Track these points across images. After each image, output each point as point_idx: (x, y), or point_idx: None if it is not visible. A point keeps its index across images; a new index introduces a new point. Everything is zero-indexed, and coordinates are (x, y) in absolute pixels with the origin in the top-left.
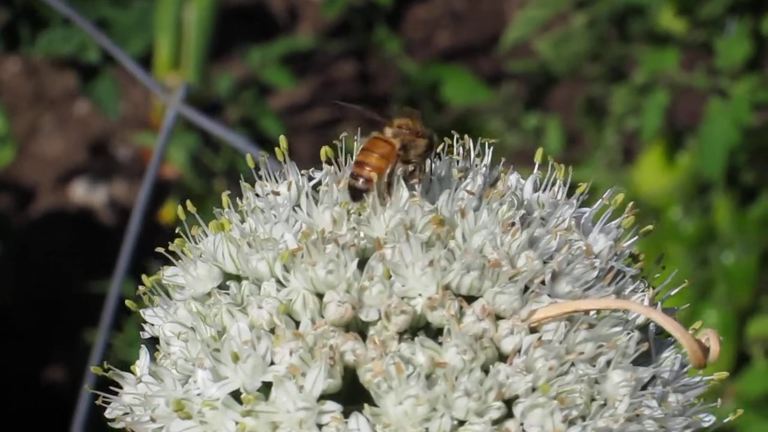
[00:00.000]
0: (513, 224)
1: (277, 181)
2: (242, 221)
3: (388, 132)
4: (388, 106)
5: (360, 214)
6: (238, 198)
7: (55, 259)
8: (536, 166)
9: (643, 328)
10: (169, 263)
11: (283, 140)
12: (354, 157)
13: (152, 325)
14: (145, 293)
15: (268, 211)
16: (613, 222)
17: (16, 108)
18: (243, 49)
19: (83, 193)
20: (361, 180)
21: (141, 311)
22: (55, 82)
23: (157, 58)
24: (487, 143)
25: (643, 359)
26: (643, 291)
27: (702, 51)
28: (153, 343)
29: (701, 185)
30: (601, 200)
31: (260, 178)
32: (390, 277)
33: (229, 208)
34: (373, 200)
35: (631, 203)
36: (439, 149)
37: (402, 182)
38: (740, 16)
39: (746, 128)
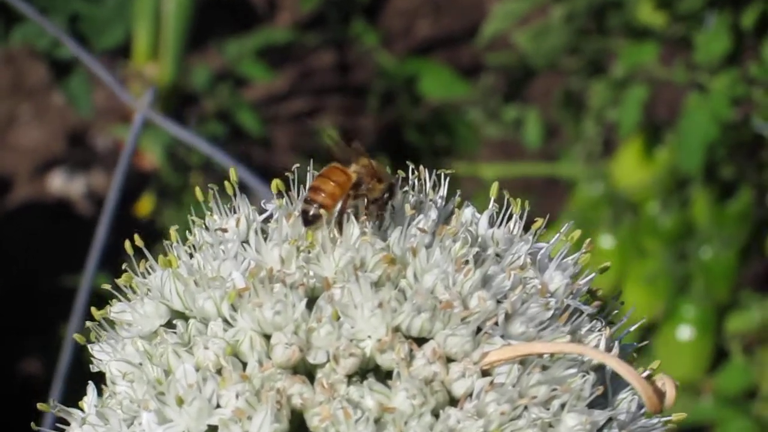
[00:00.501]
0: (466, 262)
1: (227, 214)
2: (192, 256)
3: (352, 167)
4: (361, 142)
5: (309, 252)
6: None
7: (32, 250)
8: (492, 200)
9: (599, 368)
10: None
11: (233, 172)
12: (310, 183)
13: (100, 360)
14: (92, 329)
15: (216, 246)
16: (570, 258)
17: None
18: (221, 40)
19: (61, 183)
20: (314, 206)
21: (90, 347)
22: (33, 71)
23: (136, 47)
24: (443, 174)
25: (599, 400)
26: (600, 330)
27: (681, 45)
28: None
29: (680, 180)
30: (558, 234)
31: (210, 210)
32: (339, 318)
33: (177, 242)
34: (323, 238)
35: (588, 240)
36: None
37: (353, 219)
38: (720, 10)
39: (725, 123)
